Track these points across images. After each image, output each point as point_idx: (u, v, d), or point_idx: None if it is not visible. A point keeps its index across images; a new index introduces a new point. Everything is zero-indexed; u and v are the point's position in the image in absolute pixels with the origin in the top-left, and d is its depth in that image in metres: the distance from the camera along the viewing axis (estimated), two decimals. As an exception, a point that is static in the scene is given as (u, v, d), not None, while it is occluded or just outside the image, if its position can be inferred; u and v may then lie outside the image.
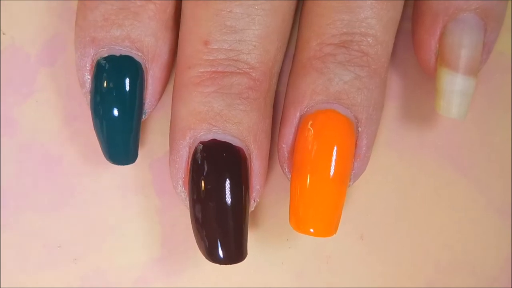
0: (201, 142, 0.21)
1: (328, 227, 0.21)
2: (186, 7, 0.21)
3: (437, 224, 0.24)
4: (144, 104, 0.22)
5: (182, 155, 0.21)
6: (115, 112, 0.21)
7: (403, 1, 0.21)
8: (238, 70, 0.21)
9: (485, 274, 0.24)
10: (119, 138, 0.21)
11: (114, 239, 0.24)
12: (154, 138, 0.24)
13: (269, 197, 0.24)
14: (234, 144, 0.21)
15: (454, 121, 0.24)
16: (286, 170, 0.22)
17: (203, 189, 0.20)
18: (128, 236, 0.24)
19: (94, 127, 0.22)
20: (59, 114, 0.24)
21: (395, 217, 0.24)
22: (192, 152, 0.21)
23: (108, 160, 0.22)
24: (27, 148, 0.24)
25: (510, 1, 0.23)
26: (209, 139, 0.21)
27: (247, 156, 0.21)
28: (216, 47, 0.21)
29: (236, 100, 0.21)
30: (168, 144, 0.22)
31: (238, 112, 0.21)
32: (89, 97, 0.22)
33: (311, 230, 0.21)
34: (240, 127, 0.21)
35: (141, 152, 0.23)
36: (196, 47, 0.21)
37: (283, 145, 0.22)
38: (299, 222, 0.21)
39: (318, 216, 0.21)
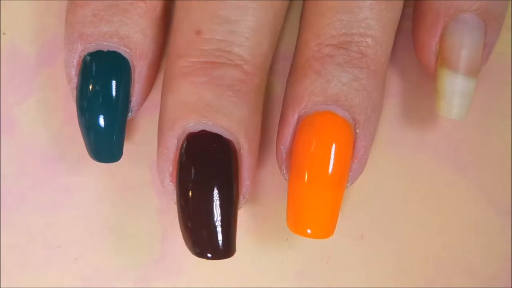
0: (190, 133, 0.20)
1: (326, 228, 0.21)
2: None
3: (437, 224, 0.24)
4: (130, 102, 0.22)
5: (170, 147, 0.21)
6: (101, 109, 0.21)
7: (403, 1, 0.21)
8: (229, 62, 0.20)
9: (485, 274, 0.24)
10: (104, 135, 0.21)
11: (114, 239, 0.24)
12: (154, 138, 0.24)
13: (269, 197, 0.24)
14: (224, 136, 0.20)
15: (454, 121, 0.24)
16: (284, 171, 0.22)
17: (191, 182, 0.20)
18: (128, 236, 0.24)
19: (79, 123, 0.21)
20: (59, 114, 0.24)
21: (395, 217, 0.24)
22: (180, 144, 0.20)
23: (92, 157, 0.22)
24: (27, 148, 0.24)
25: (510, 1, 0.23)
26: (198, 130, 0.20)
27: (237, 150, 0.21)
28: (208, 37, 0.20)
29: (227, 92, 0.20)
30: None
31: (229, 103, 0.20)
32: (75, 93, 0.21)
33: (309, 231, 0.21)
34: (231, 119, 0.20)
35: (141, 152, 0.23)
36: (187, 37, 0.21)
37: (281, 147, 0.21)
38: (296, 224, 0.21)
39: (316, 217, 0.21)
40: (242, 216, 0.24)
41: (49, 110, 0.24)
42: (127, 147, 0.24)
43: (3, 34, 0.24)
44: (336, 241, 0.23)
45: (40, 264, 0.24)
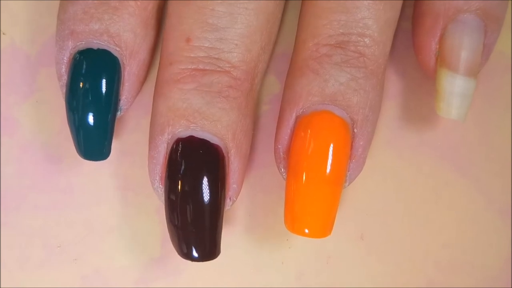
0: (179, 138, 0.21)
1: (323, 228, 0.21)
2: (170, 4, 0.21)
3: (437, 224, 0.24)
4: (119, 100, 0.22)
5: (160, 151, 0.21)
6: (90, 107, 0.21)
7: (402, 1, 0.21)
8: (218, 69, 0.21)
9: (485, 274, 0.24)
10: (93, 133, 0.21)
11: (114, 239, 0.24)
12: (154, 138, 0.24)
13: (269, 197, 0.24)
14: (211, 141, 0.21)
15: (454, 121, 0.24)
16: (282, 170, 0.22)
17: (178, 185, 0.20)
18: (128, 236, 0.24)
19: (67, 121, 0.21)
20: (59, 114, 0.24)
21: (395, 217, 0.24)
22: (169, 149, 0.21)
23: (80, 155, 0.22)
24: (27, 148, 0.24)
25: (510, 2, 0.23)
26: (187, 135, 0.21)
27: (225, 154, 0.21)
28: (197, 44, 0.21)
29: (216, 99, 0.21)
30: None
31: (217, 110, 0.21)
32: (64, 90, 0.21)
33: (306, 231, 0.21)
34: (219, 125, 0.21)
35: (142, 152, 0.23)
36: (178, 44, 0.21)
37: (279, 146, 0.22)
38: (294, 223, 0.21)
39: (313, 217, 0.21)
40: (242, 215, 0.24)
41: (49, 110, 0.24)
42: (128, 147, 0.24)
43: (3, 34, 0.24)
44: (336, 241, 0.23)
45: (40, 264, 0.24)
